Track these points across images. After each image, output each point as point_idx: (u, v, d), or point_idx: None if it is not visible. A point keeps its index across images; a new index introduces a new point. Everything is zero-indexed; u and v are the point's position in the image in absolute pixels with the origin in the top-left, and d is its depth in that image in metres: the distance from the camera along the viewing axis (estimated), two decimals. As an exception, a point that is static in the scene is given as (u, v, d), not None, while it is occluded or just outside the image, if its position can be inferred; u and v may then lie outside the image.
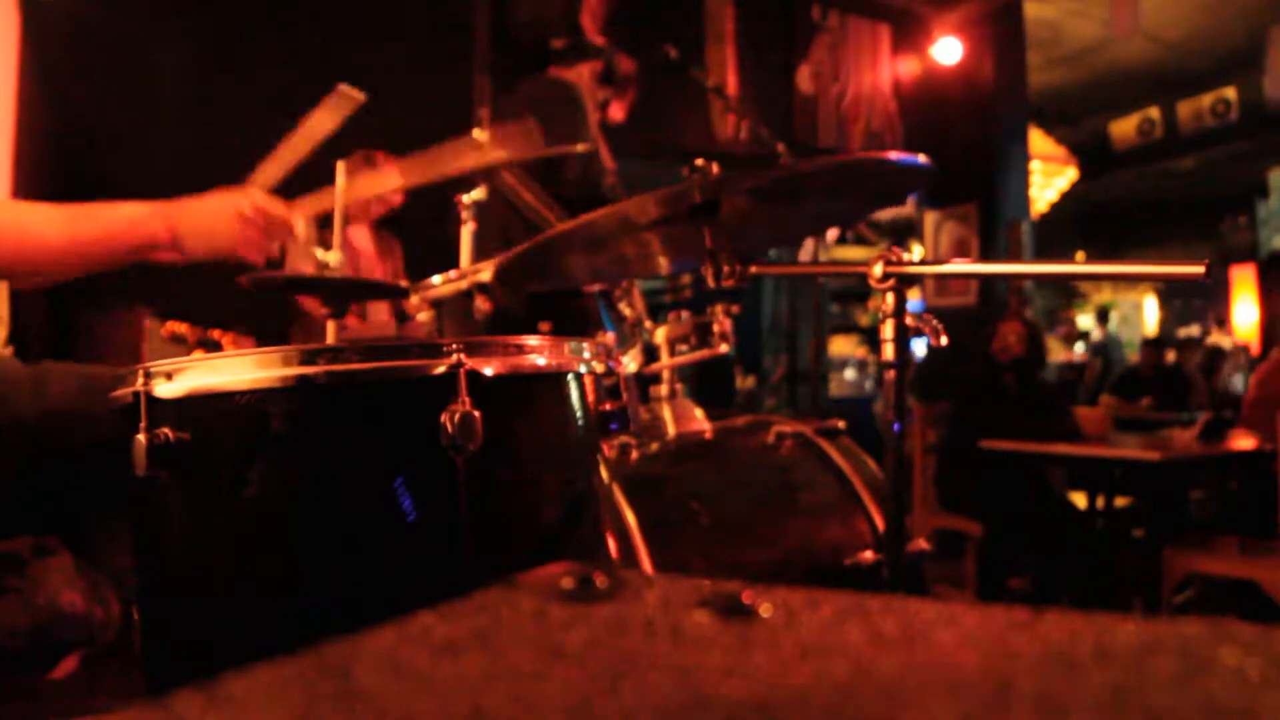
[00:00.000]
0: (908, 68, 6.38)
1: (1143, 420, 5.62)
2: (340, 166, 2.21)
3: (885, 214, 8.60)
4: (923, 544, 1.54)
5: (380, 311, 2.67)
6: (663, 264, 1.52)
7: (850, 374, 8.26)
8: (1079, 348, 11.92)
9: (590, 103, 2.93)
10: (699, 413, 1.73)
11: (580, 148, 1.99)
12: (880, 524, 1.50)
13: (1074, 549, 3.54)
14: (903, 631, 0.40)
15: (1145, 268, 1.02)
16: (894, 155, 1.16)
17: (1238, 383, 7.75)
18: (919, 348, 5.52)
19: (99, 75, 3.17)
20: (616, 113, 3.07)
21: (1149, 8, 6.43)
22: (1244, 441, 3.51)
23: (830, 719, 0.32)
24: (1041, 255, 7.47)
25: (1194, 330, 11.52)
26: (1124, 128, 9.74)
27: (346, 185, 1.51)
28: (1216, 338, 9.45)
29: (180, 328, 1.85)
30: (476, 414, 0.86)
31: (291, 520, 0.89)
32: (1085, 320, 13.41)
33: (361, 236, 3.17)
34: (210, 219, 1.26)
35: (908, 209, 7.34)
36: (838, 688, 0.35)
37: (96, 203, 1.24)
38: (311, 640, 0.39)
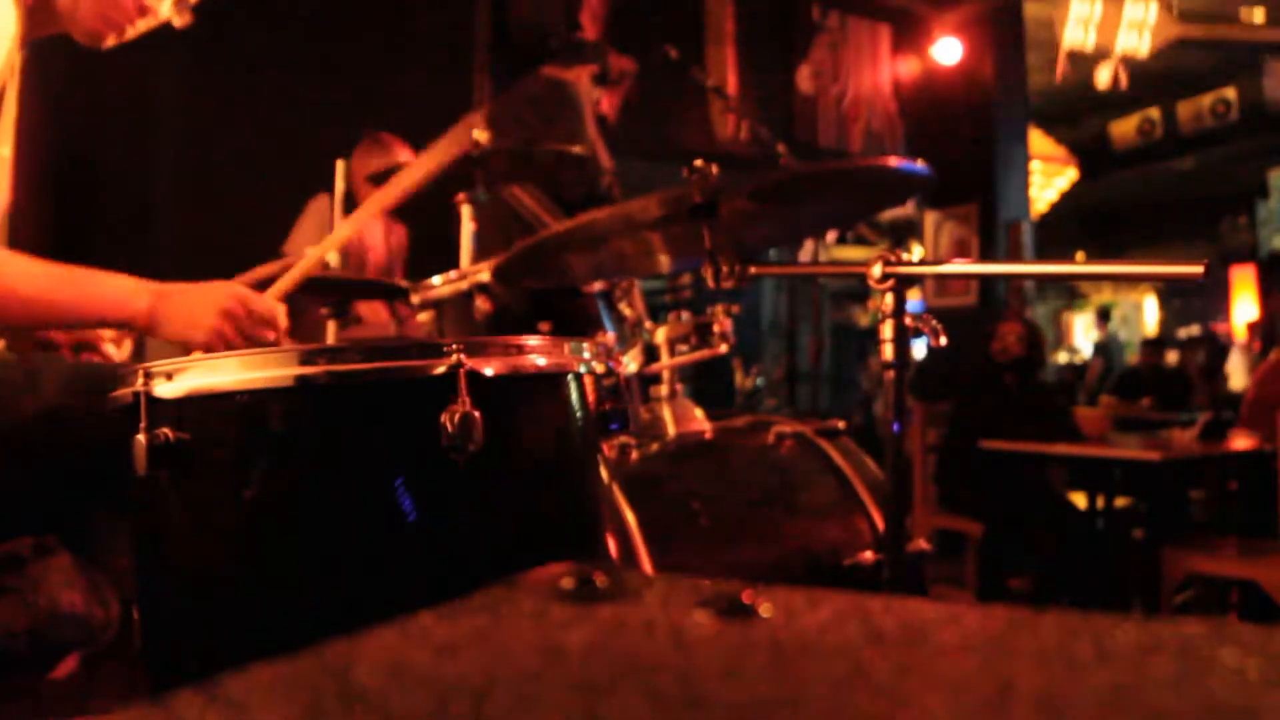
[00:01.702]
0: (908, 68, 6.38)
1: (1143, 420, 5.62)
2: (340, 166, 2.22)
3: (885, 214, 8.59)
4: (923, 544, 1.54)
5: (380, 311, 2.67)
6: (663, 263, 1.52)
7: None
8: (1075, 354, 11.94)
9: (587, 103, 2.94)
10: (699, 413, 1.73)
11: (576, 148, 1.99)
12: (880, 524, 1.50)
13: (1074, 549, 3.54)
14: (903, 631, 0.40)
15: (1145, 268, 1.02)
16: (893, 161, 1.16)
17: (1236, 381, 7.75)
18: (919, 348, 5.52)
19: (100, 86, 3.17)
20: (607, 106, 3.08)
21: (1149, 7, 6.42)
22: (1244, 441, 3.51)
23: (830, 719, 0.32)
24: (1041, 255, 7.47)
25: (1194, 330, 11.51)
26: (1124, 128, 9.74)
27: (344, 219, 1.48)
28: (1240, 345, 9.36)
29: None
30: (476, 414, 0.86)
31: (291, 520, 0.89)
32: (1084, 320, 13.43)
33: (372, 228, 3.17)
34: (192, 309, 1.21)
35: (908, 209, 7.34)
36: (837, 688, 0.35)
37: (85, 269, 1.21)
38: (311, 640, 0.39)
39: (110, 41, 1.34)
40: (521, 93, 3.03)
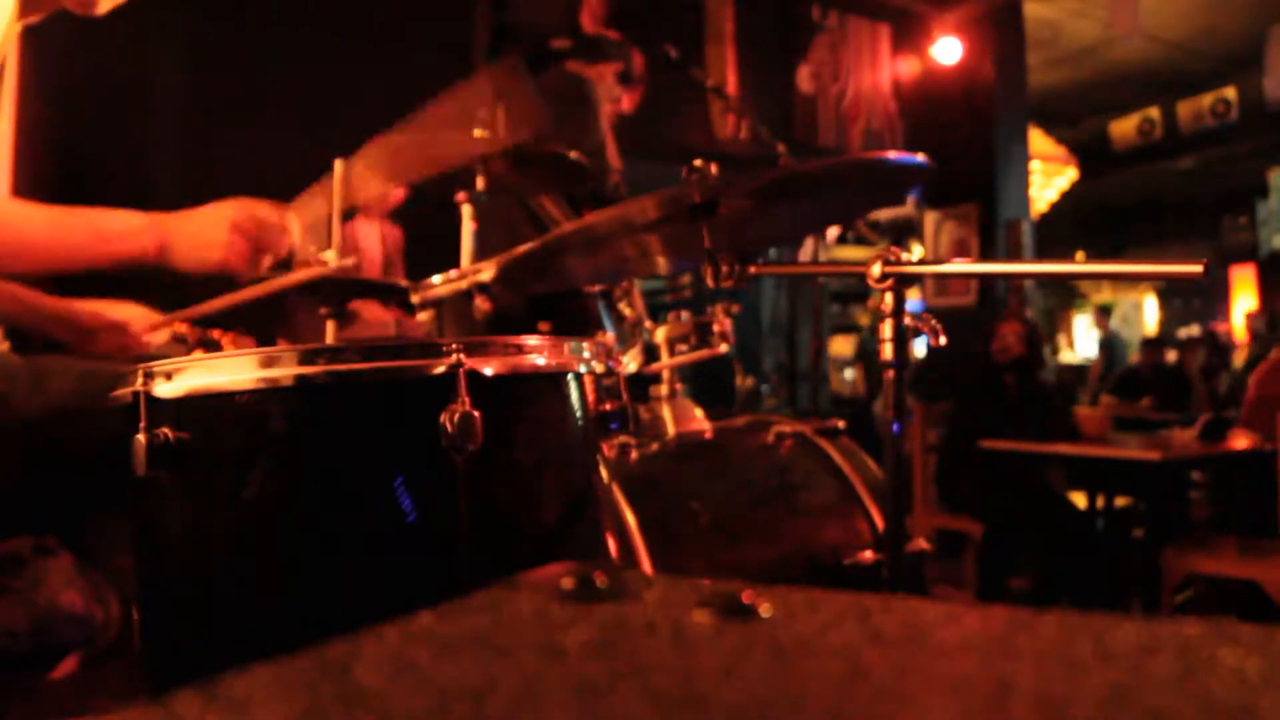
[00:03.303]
0: (908, 68, 6.38)
1: (1143, 420, 5.62)
2: (338, 165, 2.21)
3: (885, 214, 8.60)
4: (923, 544, 1.54)
5: (378, 311, 2.67)
6: (662, 264, 1.52)
7: (850, 374, 8.26)
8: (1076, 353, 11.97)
9: (605, 101, 2.93)
10: (699, 413, 1.73)
11: (573, 154, 1.99)
12: (880, 524, 1.50)
13: (1074, 549, 3.54)
14: (903, 631, 0.40)
15: (1145, 267, 1.02)
16: (892, 154, 1.16)
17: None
18: (919, 347, 5.51)
19: (99, 77, 3.17)
20: (627, 104, 3.08)
21: (1149, 8, 6.43)
22: (1244, 441, 3.51)
23: (830, 719, 0.32)
24: (1041, 255, 7.47)
25: (1194, 330, 11.52)
26: (1124, 128, 9.74)
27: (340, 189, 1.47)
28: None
29: (180, 328, 1.85)
30: (476, 414, 0.86)
31: (291, 520, 0.89)
32: (1084, 320, 13.45)
33: (369, 233, 3.16)
34: (200, 229, 1.21)
35: (908, 209, 7.34)
36: (837, 688, 0.35)
37: (90, 208, 1.21)
38: (311, 640, 0.39)
39: (103, 6, 1.33)
40: (542, 87, 3.01)
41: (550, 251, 1.37)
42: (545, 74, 3.02)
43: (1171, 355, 8.24)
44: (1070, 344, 13.43)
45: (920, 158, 1.14)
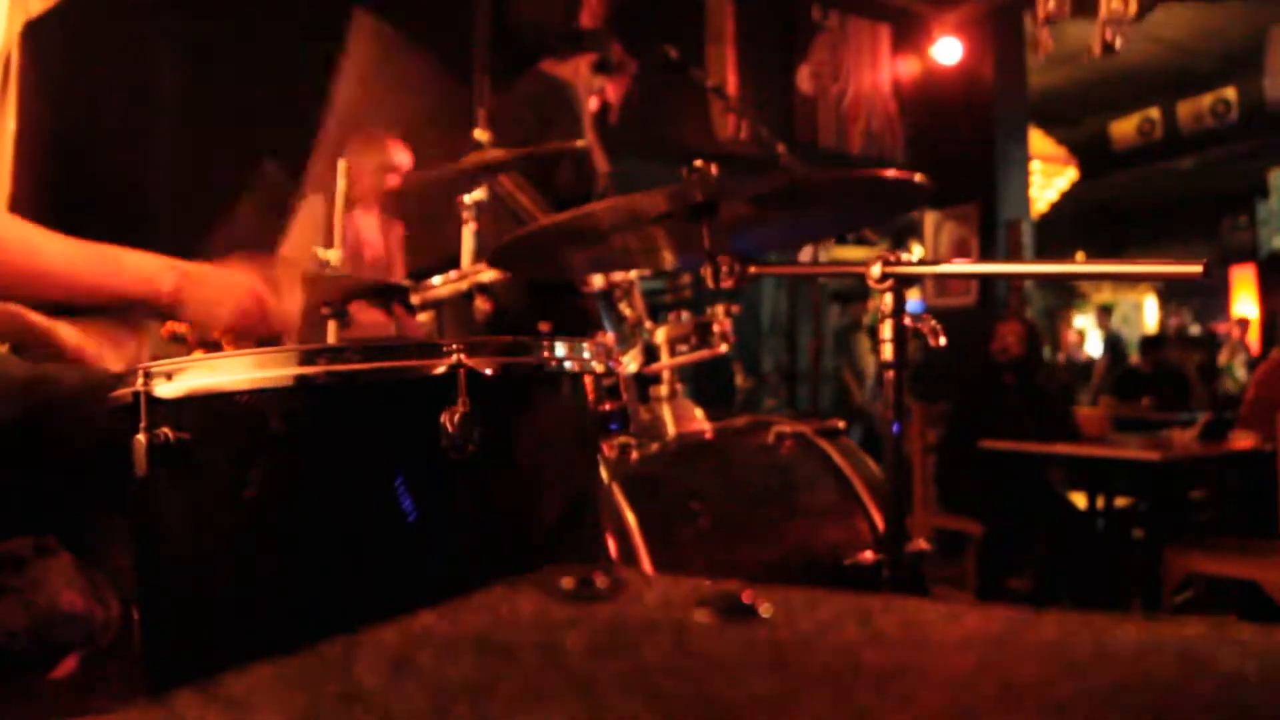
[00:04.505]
0: (908, 68, 6.38)
1: (1143, 420, 5.61)
2: (341, 164, 2.21)
3: (885, 214, 8.57)
4: (923, 544, 1.54)
5: (375, 311, 2.66)
6: (666, 259, 1.52)
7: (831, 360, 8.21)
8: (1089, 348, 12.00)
9: (586, 98, 2.92)
10: (699, 413, 1.73)
11: (579, 143, 1.99)
12: (880, 524, 1.50)
13: (1074, 549, 3.54)
14: (903, 631, 0.40)
15: (1145, 267, 1.03)
16: (892, 173, 1.16)
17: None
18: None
19: (98, 76, 3.17)
20: (612, 94, 3.06)
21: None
22: (1244, 441, 3.51)
23: (830, 718, 0.32)
24: (1041, 255, 7.47)
25: (1194, 329, 11.52)
26: (1124, 128, 9.74)
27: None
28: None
29: (180, 328, 1.85)
30: (477, 414, 0.86)
31: (291, 520, 0.89)
32: (1084, 320, 13.45)
33: (369, 224, 3.15)
34: (212, 298, 1.22)
35: (908, 209, 7.32)
36: (838, 687, 0.35)
37: (110, 245, 1.21)
38: (311, 640, 0.39)
39: None
40: (520, 92, 3.01)
41: (550, 239, 1.37)
42: (523, 78, 3.01)
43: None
44: (1064, 345, 13.45)
45: (919, 179, 1.14)
